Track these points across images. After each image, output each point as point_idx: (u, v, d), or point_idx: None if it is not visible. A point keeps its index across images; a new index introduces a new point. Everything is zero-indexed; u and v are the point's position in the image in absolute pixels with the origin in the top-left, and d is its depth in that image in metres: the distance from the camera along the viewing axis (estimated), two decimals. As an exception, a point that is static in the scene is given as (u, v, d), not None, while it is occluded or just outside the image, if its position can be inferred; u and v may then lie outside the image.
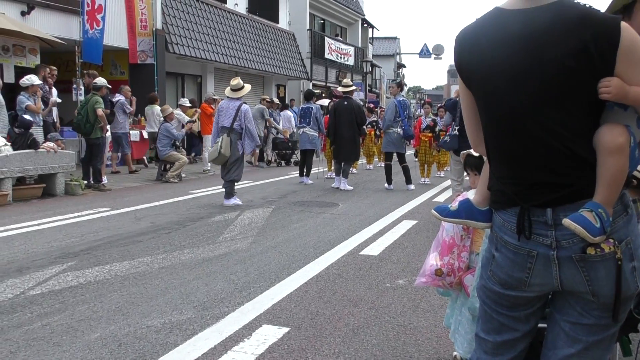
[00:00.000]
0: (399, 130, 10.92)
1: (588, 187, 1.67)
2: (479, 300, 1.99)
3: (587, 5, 1.68)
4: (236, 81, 8.86)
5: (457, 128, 7.20)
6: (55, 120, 11.21)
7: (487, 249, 1.93)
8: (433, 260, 2.80)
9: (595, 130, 1.67)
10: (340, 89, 12.01)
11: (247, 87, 8.93)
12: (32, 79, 9.55)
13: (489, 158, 1.90)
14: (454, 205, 2.04)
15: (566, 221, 1.63)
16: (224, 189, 8.82)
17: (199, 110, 14.48)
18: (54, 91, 11.01)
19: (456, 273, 2.76)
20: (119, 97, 12.55)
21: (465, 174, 7.97)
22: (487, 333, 1.94)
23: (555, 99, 1.65)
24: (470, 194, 2.43)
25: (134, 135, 14.14)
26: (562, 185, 1.68)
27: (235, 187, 8.91)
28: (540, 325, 1.92)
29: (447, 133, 7.50)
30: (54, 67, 11.33)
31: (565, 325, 1.79)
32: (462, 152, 2.79)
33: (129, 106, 12.68)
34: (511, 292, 1.82)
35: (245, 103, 8.95)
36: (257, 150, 15.81)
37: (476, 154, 2.51)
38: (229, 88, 8.91)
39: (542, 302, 1.86)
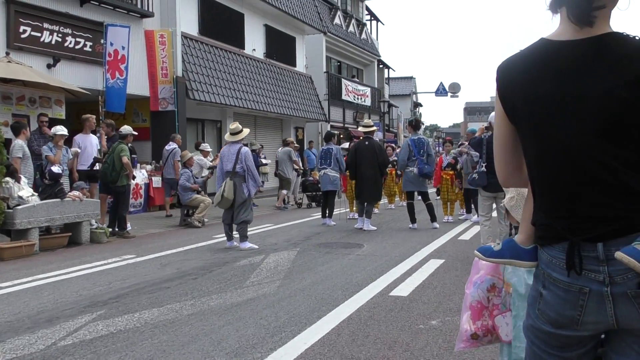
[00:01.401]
0: (414, 169, 10.91)
1: None
2: (527, 341, 1.93)
3: (639, 38, 1.67)
4: (234, 125, 9.07)
5: (484, 165, 7.18)
6: (97, 169, 11.13)
7: (533, 287, 1.87)
8: (467, 324, 2.76)
9: None
10: (361, 129, 12.06)
11: (246, 130, 9.10)
12: (57, 129, 9.72)
13: (534, 192, 1.85)
14: (497, 245, 2.00)
15: (619, 254, 1.58)
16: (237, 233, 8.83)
17: (219, 154, 14.62)
18: (92, 140, 11.17)
19: (492, 333, 2.71)
20: (173, 146, 13.34)
21: (494, 209, 7.89)
22: (537, 375, 1.86)
23: (608, 131, 1.62)
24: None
25: (156, 181, 14.30)
26: (615, 219, 1.63)
27: (259, 231, 8.89)
28: None
29: (475, 170, 7.48)
30: (93, 116, 11.48)
31: None
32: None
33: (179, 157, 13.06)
34: (562, 331, 1.75)
35: (246, 145, 9.06)
36: (284, 193, 15.84)
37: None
38: (228, 133, 9.12)
39: (595, 341, 1.79)
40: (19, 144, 9.20)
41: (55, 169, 9.20)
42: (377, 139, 21.20)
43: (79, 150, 10.83)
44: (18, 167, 8.96)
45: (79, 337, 4.44)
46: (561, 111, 1.68)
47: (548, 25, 1.80)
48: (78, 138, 10.94)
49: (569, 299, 1.70)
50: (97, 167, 10.79)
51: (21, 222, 8.30)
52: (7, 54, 11.13)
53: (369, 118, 30.22)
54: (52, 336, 4.46)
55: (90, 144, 11.02)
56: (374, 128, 11.86)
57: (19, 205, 8.42)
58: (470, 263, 7.33)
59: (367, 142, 11.21)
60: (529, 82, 1.74)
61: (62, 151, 9.68)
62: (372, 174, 11.01)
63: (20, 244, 8.19)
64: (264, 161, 16.94)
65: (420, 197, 11.35)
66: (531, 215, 1.88)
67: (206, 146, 14.61)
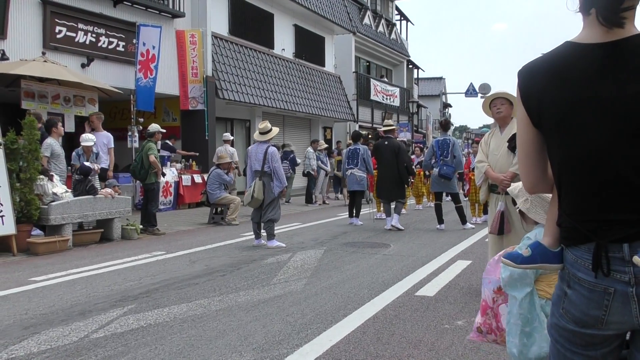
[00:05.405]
0: (436, 170, 10.86)
1: None
2: (551, 339, 1.94)
3: None
4: (264, 124, 9.05)
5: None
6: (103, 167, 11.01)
7: (558, 286, 1.88)
8: (478, 317, 2.91)
9: None
10: (381, 128, 12.05)
11: (275, 130, 9.08)
12: (82, 139, 9.82)
13: (559, 195, 1.85)
14: (526, 251, 2.00)
15: (636, 259, 1.59)
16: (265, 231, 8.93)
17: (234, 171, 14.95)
18: (107, 138, 11.01)
19: (497, 332, 2.78)
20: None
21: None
22: (561, 374, 1.87)
23: (637, 134, 1.61)
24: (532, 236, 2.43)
25: (186, 179, 14.49)
26: None
27: (286, 229, 8.95)
28: None
29: None
30: (101, 113, 11.48)
31: None
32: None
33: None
34: (586, 330, 1.76)
35: (274, 145, 9.08)
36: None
37: None
38: (257, 132, 9.11)
39: (620, 340, 1.79)
40: (47, 143, 9.33)
41: (88, 163, 9.37)
42: (405, 139, 21.19)
43: (96, 167, 10.28)
44: (46, 165, 9.12)
45: (110, 330, 4.55)
46: (590, 114, 1.67)
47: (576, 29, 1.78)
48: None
49: (593, 299, 1.71)
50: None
51: (55, 217, 8.51)
52: (43, 53, 11.39)
53: (398, 118, 30.22)
54: (84, 329, 4.58)
55: (99, 142, 10.53)
56: (393, 127, 11.75)
57: (53, 201, 8.63)
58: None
59: (386, 142, 11.14)
60: (556, 85, 1.73)
61: (92, 157, 9.81)
62: (391, 172, 10.93)
63: (54, 239, 8.39)
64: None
65: (449, 198, 11.29)
66: (556, 217, 1.88)
67: (227, 135, 15.34)
